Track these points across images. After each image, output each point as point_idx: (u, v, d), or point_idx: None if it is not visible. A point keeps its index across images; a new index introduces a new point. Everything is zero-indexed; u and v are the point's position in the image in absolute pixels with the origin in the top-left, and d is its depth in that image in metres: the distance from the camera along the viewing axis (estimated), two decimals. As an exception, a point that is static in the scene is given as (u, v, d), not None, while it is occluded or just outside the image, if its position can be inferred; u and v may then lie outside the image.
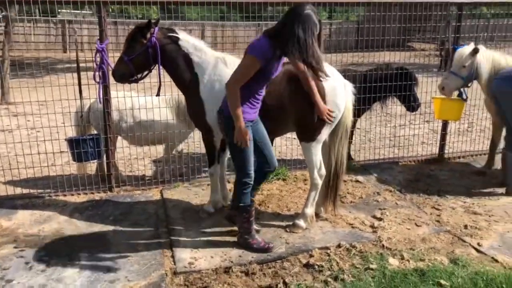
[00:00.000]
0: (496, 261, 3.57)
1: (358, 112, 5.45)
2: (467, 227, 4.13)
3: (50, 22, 22.03)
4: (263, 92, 3.54)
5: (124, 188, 5.06)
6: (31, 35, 20.69)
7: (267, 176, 3.94)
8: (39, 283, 3.30)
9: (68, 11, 24.80)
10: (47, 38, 22.43)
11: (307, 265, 3.53)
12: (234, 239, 3.91)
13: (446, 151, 6.18)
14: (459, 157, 6.16)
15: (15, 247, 3.81)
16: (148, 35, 3.90)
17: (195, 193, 4.89)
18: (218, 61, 4.03)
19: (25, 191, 5.01)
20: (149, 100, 5.14)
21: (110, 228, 4.17)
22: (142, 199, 4.80)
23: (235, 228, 3.99)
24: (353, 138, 6.10)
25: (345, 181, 5.17)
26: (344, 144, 4.06)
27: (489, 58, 4.99)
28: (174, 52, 4.00)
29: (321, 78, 3.44)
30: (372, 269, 3.41)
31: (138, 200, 4.77)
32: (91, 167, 5.56)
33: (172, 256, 3.67)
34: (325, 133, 3.90)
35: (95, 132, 5.18)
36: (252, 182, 3.64)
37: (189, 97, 4.12)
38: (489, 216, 4.39)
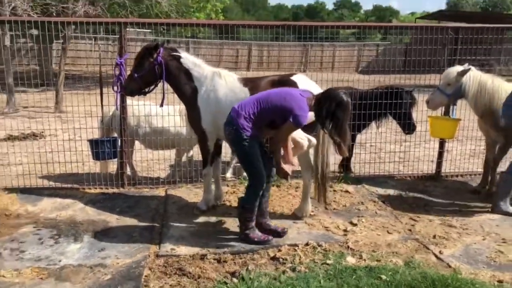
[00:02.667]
0: (450, 266, 3.82)
1: (357, 127, 5.83)
2: (436, 237, 4.38)
3: (109, 39, 23.82)
4: None
5: (136, 186, 5.72)
6: (92, 51, 22.51)
7: (269, 182, 4.37)
8: (45, 254, 3.98)
9: (133, 29, 26.61)
10: (106, 54, 24.23)
11: (273, 258, 3.96)
12: (218, 232, 4.42)
13: (452, 170, 6.42)
14: (457, 176, 6.30)
15: (34, 227, 4.54)
16: (155, 55, 4.56)
17: (196, 194, 5.45)
18: (214, 75, 4.64)
19: (55, 183, 5.80)
20: (164, 109, 5.79)
21: (115, 217, 4.81)
22: (148, 196, 5.43)
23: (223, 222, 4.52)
24: (353, 151, 6.38)
25: (335, 191, 5.55)
26: (328, 148, 4.49)
27: (475, 79, 5.20)
28: (177, 68, 4.64)
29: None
30: (328, 264, 3.78)
31: (144, 196, 5.41)
32: (113, 166, 6.28)
33: (159, 243, 4.23)
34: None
35: (116, 135, 5.91)
36: (263, 186, 4.10)
37: (189, 106, 4.73)
38: (463, 229, 4.60)
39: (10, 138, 8.53)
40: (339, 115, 3.82)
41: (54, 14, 11.53)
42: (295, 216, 4.77)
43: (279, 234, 4.32)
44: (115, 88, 5.21)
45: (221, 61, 25.93)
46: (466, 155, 7.21)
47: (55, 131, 8.33)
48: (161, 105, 4.92)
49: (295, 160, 4.26)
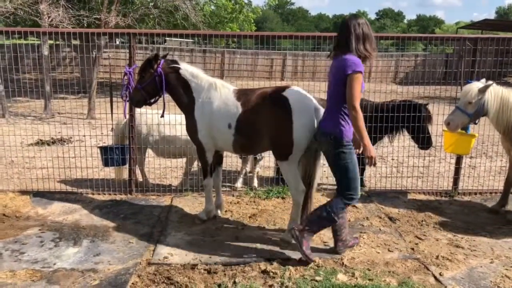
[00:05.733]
0: (447, 290, 3.62)
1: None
2: (439, 258, 4.16)
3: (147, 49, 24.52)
4: None
5: (144, 193, 5.81)
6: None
7: None
8: (42, 257, 4.09)
9: (174, 39, 27.32)
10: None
11: (264, 271, 3.88)
12: (213, 242, 4.40)
13: (473, 187, 6.17)
14: (475, 193, 6.00)
15: (39, 230, 4.69)
16: (155, 66, 4.63)
17: (200, 202, 5.46)
18: (211, 86, 4.63)
19: (71, 188, 5.99)
20: (173, 117, 5.88)
21: (117, 223, 4.89)
22: (154, 203, 5.50)
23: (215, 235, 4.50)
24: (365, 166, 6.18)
25: (341, 205, 5.40)
26: (316, 164, 4.37)
27: (497, 95, 4.91)
28: (176, 79, 4.69)
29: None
30: (316, 280, 3.67)
31: (150, 204, 5.48)
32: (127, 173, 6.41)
33: (153, 250, 4.26)
34: (297, 154, 4.24)
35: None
36: (358, 198, 3.96)
37: (187, 117, 4.76)
38: (471, 251, 4.35)
39: (39, 142, 8.91)
40: (367, 31, 3.75)
41: (85, 25, 12.01)
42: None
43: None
44: (124, 97, 5.33)
45: (255, 70, 26.12)
46: (495, 172, 6.88)
47: (83, 137, 8.69)
48: (162, 116, 4.99)
49: None
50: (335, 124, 3.79)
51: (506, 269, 3.99)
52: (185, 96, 4.69)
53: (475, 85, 4.99)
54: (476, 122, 5.20)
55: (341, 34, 3.81)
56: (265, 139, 4.32)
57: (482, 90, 4.89)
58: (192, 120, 4.65)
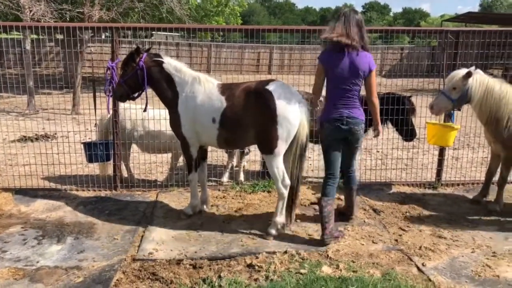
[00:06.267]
0: (430, 280, 3.67)
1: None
2: (422, 248, 4.22)
3: (132, 43, 24.28)
4: None
5: (129, 189, 5.77)
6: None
7: None
8: (25, 255, 4.05)
9: (160, 33, 27.00)
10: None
11: (249, 265, 3.90)
12: (199, 237, 4.40)
13: (456, 178, 6.24)
14: (458, 184, 6.08)
15: (22, 227, 4.64)
16: (137, 60, 4.58)
17: (186, 197, 5.44)
18: (194, 80, 4.60)
19: (55, 185, 5.92)
20: (158, 112, 5.83)
21: (102, 219, 4.86)
22: (139, 199, 5.47)
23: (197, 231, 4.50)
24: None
25: (327, 197, 5.43)
26: (301, 158, 4.38)
27: (482, 82, 4.94)
28: (159, 73, 4.64)
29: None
30: (301, 273, 3.70)
31: (135, 200, 5.45)
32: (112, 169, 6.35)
33: (138, 246, 4.24)
34: (282, 147, 4.25)
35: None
36: None
37: (170, 111, 4.72)
38: (453, 241, 4.42)
39: (23, 139, 8.78)
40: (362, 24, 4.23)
41: (68, 19, 11.83)
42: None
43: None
44: (107, 92, 5.27)
45: (242, 64, 26.04)
46: (478, 163, 6.97)
47: (67, 133, 8.57)
48: (145, 110, 4.95)
49: None
50: (362, 113, 4.32)
51: (487, 258, 4.06)
52: (168, 90, 4.65)
53: (462, 71, 5.02)
54: (460, 109, 5.25)
55: (357, 29, 4.09)
56: (249, 133, 4.32)
57: (467, 76, 4.92)
58: (176, 114, 4.62)
